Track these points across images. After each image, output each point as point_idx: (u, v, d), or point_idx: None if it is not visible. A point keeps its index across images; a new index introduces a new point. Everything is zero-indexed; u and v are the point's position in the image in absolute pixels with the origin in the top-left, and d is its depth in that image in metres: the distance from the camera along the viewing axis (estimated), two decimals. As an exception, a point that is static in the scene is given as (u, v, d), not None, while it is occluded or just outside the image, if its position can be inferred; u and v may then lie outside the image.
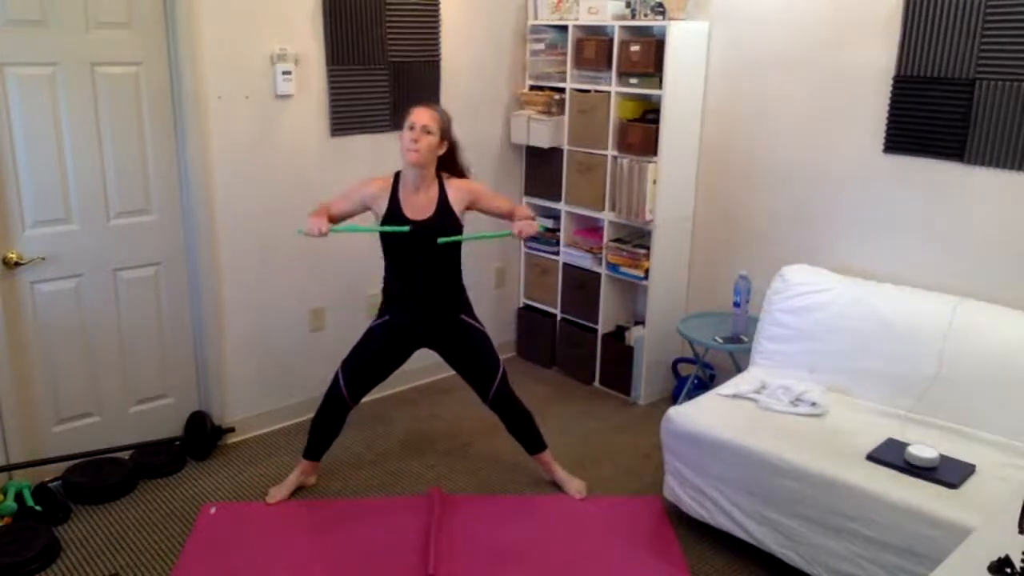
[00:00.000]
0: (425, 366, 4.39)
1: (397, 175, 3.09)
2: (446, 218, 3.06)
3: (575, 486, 3.36)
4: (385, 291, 3.21)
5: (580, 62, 4.10)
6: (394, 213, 3.03)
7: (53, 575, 2.85)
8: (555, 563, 2.93)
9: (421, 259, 3.07)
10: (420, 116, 2.98)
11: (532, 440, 3.34)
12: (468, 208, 3.14)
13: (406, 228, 3.01)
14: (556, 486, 3.39)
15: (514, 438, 3.35)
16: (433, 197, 3.06)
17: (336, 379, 3.21)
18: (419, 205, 3.05)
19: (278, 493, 3.28)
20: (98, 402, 3.43)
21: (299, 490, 3.34)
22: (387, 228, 3.03)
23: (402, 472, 3.52)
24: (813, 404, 3.09)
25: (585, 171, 4.18)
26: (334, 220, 3.08)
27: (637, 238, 4.14)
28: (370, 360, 3.21)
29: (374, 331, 3.21)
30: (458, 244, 3.12)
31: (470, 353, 3.24)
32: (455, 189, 3.10)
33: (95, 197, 3.26)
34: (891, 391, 3.09)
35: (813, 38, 3.54)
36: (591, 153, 4.14)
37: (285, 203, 3.69)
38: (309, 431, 3.31)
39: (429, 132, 2.96)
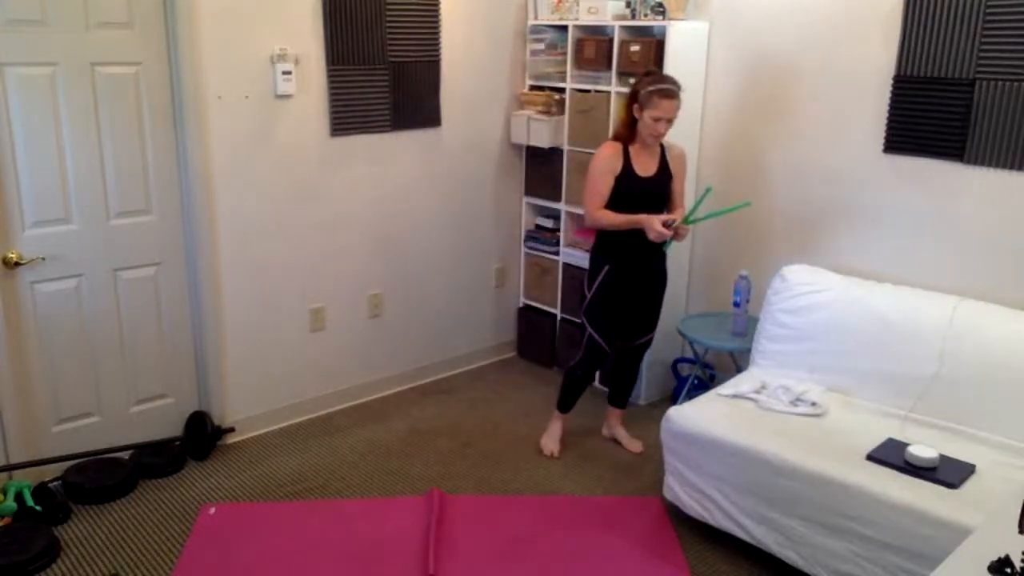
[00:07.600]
0: (425, 366, 4.40)
1: (621, 140, 3.39)
2: (665, 175, 3.42)
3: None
4: (607, 246, 3.48)
5: (580, 62, 4.10)
6: (628, 170, 3.35)
7: (53, 575, 2.85)
8: (555, 563, 2.93)
9: (648, 210, 3.38)
10: (669, 110, 3.24)
11: (626, 394, 3.81)
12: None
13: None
14: (555, 486, 3.40)
15: (609, 386, 3.81)
16: (656, 155, 3.41)
17: (591, 339, 3.52)
18: (645, 164, 3.38)
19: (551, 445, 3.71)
20: (98, 402, 3.44)
21: (300, 490, 3.36)
22: (731, 208, 3.49)
23: (402, 472, 3.52)
24: (813, 404, 3.09)
25: (585, 171, 4.17)
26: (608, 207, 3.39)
27: (637, 238, 4.14)
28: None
29: (606, 283, 3.48)
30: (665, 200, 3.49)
31: (657, 299, 3.63)
32: (673, 158, 3.44)
33: (95, 197, 3.26)
34: (891, 391, 3.09)
35: (813, 38, 3.55)
36: (591, 153, 4.12)
37: (285, 203, 3.69)
38: (564, 390, 3.66)
39: (671, 121, 3.29)
